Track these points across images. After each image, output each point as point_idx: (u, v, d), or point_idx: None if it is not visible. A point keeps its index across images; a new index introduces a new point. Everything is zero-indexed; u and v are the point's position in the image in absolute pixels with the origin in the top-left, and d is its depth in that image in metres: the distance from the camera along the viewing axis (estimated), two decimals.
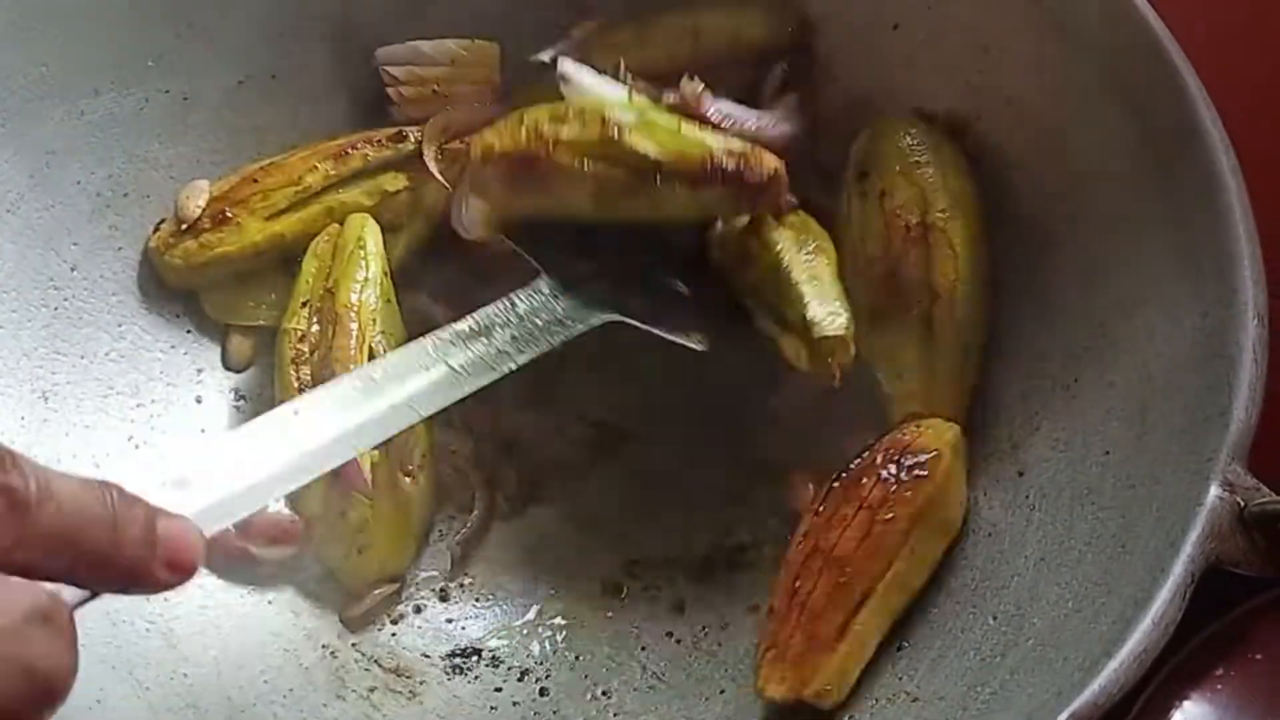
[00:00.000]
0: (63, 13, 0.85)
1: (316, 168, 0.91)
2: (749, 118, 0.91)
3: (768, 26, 0.96)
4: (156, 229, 0.91)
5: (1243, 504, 0.64)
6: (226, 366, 0.94)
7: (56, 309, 0.87)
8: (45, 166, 0.86)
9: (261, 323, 0.93)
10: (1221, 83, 0.75)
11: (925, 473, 0.78)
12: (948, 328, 0.85)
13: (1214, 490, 0.64)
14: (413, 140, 0.93)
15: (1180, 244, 0.74)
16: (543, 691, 0.85)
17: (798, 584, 0.77)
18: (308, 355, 0.86)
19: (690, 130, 0.84)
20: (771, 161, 0.83)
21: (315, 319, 0.87)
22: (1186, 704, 0.68)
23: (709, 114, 0.89)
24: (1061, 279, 0.83)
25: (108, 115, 0.89)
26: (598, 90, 0.88)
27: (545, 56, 0.95)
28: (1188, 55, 0.75)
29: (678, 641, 0.87)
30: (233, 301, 0.93)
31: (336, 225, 0.91)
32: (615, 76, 0.90)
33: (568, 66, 0.89)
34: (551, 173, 0.82)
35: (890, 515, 0.77)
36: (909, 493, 0.78)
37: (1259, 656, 0.70)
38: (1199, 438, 0.67)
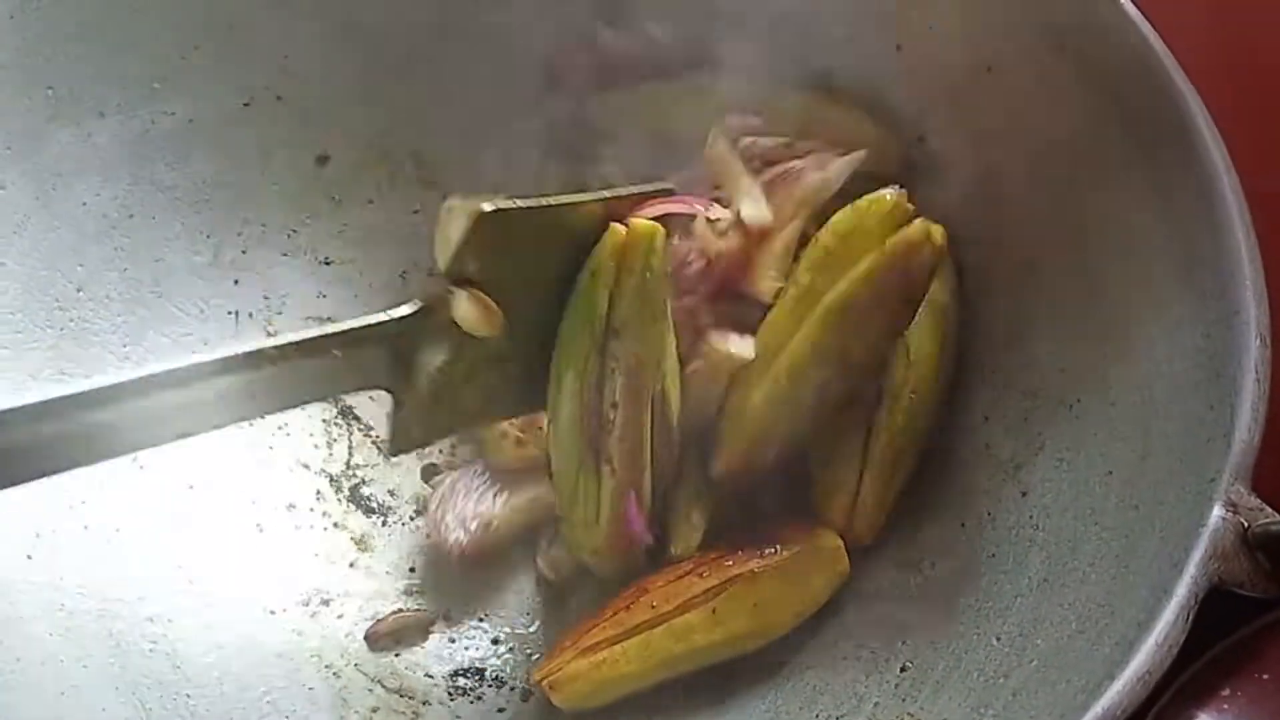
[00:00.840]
0: (68, 36, 0.86)
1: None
2: None
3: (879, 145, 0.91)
4: None
5: (1246, 525, 0.64)
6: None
7: (62, 330, 0.87)
8: (51, 188, 0.86)
9: None
10: (1222, 101, 0.75)
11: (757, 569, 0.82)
12: (883, 434, 0.86)
13: (1217, 511, 0.63)
14: None
15: (1181, 263, 0.74)
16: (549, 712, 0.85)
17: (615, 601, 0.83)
18: None
19: None
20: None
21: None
22: None
23: None
24: (1063, 298, 0.83)
25: (114, 137, 0.89)
26: None
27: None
28: (1188, 74, 0.76)
29: None
30: None
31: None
32: None
33: None
34: None
35: (707, 573, 0.81)
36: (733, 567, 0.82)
37: (1266, 676, 0.70)
38: (1202, 458, 0.67)
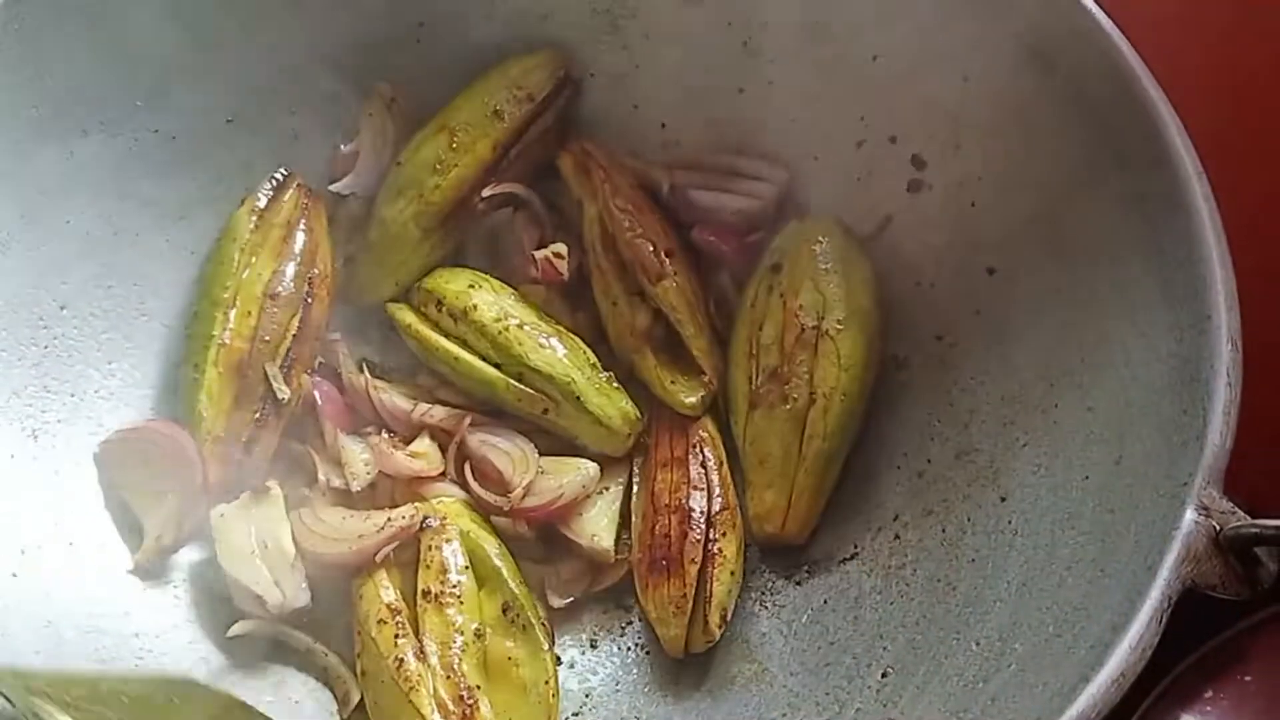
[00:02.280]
0: (53, 56, 0.86)
1: None
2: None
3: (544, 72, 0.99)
4: None
5: (1219, 528, 0.64)
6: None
7: (47, 347, 0.87)
8: (36, 206, 0.87)
9: None
10: (1194, 109, 0.76)
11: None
12: (817, 432, 0.89)
13: (1189, 514, 0.64)
14: None
15: (1154, 269, 0.75)
16: None
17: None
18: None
19: None
20: None
21: None
22: None
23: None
24: (1040, 305, 0.84)
25: (97, 155, 0.90)
26: None
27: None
28: (1161, 83, 0.76)
29: None
30: None
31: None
32: None
33: None
34: None
35: None
36: None
37: (1249, 678, 0.71)
38: (1175, 462, 0.68)
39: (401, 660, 0.80)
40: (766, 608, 0.90)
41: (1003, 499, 0.82)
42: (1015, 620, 0.73)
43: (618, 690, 0.87)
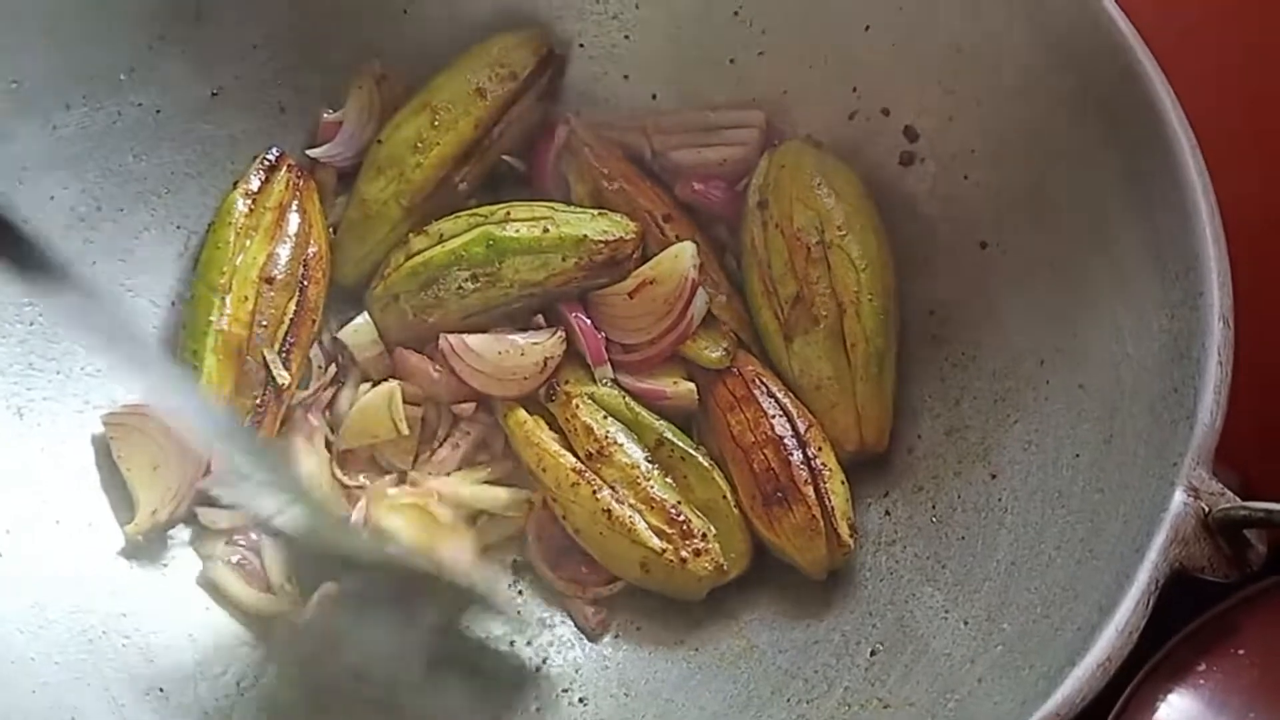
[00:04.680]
0: (33, 29, 0.85)
1: None
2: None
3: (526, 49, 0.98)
4: None
5: (1208, 509, 0.64)
6: None
7: (32, 324, 0.87)
8: (18, 182, 0.86)
9: None
10: (1189, 83, 0.75)
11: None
12: (859, 338, 0.89)
13: (1179, 496, 0.64)
14: None
15: (1148, 245, 0.74)
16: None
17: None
18: None
19: None
20: None
21: None
22: (1171, 697, 0.68)
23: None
24: (1033, 280, 0.83)
25: (80, 130, 0.89)
26: None
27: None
28: (1156, 56, 0.75)
29: None
30: None
31: None
32: None
33: None
34: None
35: None
36: None
37: (1241, 651, 0.70)
38: (1165, 442, 0.67)
39: (609, 510, 0.86)
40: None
41: (993, 476, 0.81)
42: (1004, 600, 0.73)
43: (607, 668, 0.87)
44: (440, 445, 0.94)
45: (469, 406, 0.93)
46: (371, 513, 0.88)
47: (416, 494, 0.90)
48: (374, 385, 0.94)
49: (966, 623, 0.75)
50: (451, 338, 0.91)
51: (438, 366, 0.93)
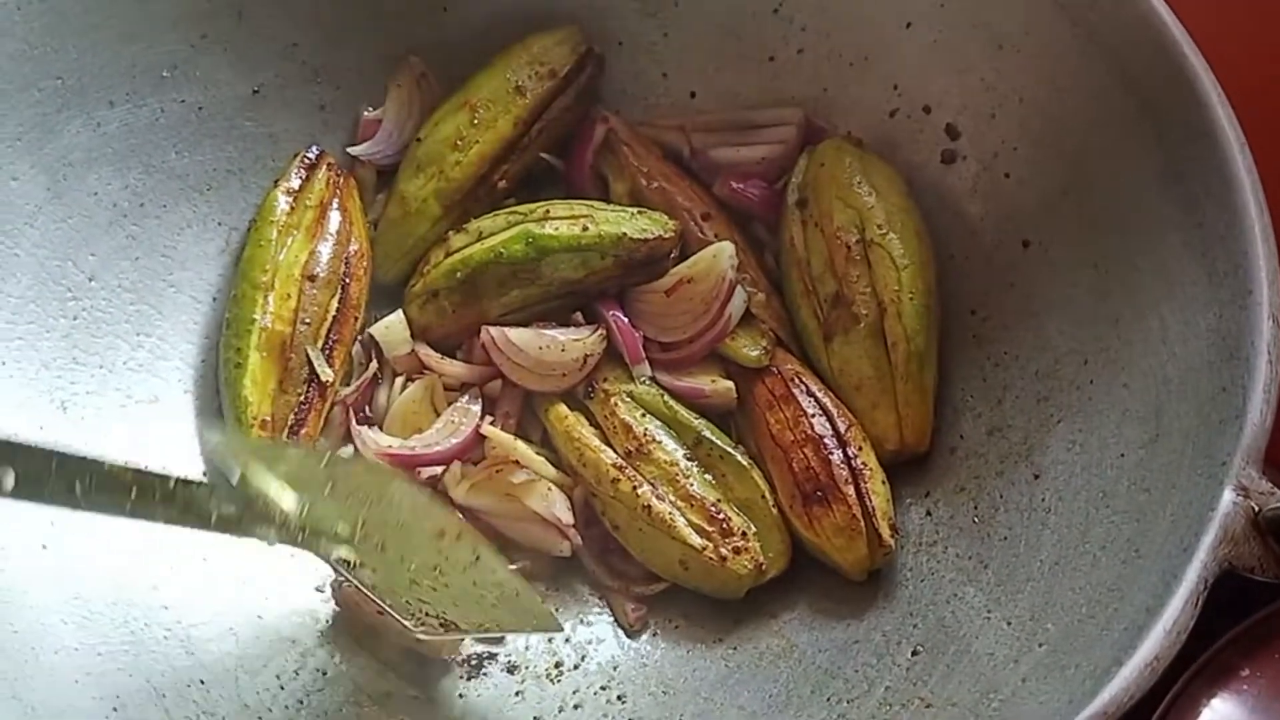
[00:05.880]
0: (78, 27, 0.86)
1: None
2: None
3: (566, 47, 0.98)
4: None
5: (1257, 509, 0.63)
6: None
7: (75, 319, 0.87)
8: (62, 178, 0.87)
9: None
10: (1237, 80, 0.74)
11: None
12: (900, 337, 0.88)
13: (1228, 495, 0.63)
14: None
15: (1195, 243, 0.73)
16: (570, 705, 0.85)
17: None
18: None
19: None
20: None
21: None
22: (1214, 702, 0.67)
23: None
24: (1075, 278, 0.83)
25: (124, 126, 0.89)
26: None
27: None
28: (1203, 52, 0.74)
29: None
30: None
31: None
32: None
33: None
34: None
35: None
36: None
37: None
38: (1213, 441, 0.67)
39: (649, 506, 0.86)
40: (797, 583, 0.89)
41: (1036, 476, 0.80)
42: (1048, 600, 0.73)
43: (645, 666, 0.87)
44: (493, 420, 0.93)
45: (497, 385, 0.94)
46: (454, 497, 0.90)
47: (484, 466, 0.91)
48: (407, 381, 0.94)
49: (1009, 623, 0.74)
50: (494, 330, 0.91)
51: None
